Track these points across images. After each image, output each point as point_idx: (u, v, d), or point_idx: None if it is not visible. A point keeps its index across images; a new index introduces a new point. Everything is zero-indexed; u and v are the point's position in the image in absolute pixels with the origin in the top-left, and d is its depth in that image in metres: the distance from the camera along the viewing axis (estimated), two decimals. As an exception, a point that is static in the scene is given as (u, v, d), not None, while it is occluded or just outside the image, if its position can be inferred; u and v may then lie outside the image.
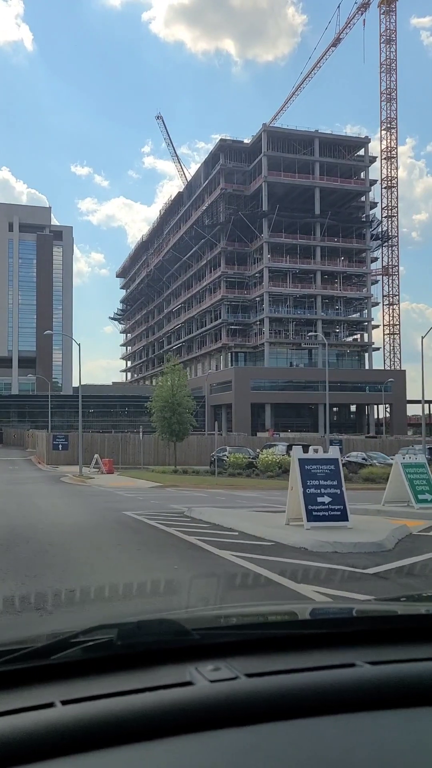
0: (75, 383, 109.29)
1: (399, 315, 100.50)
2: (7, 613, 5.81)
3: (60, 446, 49.70)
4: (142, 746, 1.24)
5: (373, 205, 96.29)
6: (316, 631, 1.82)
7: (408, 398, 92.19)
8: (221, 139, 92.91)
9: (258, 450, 38.11)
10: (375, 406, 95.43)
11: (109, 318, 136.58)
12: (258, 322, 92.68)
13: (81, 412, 37.99)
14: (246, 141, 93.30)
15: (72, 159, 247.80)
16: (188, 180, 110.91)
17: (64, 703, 1.34)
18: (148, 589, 6.09)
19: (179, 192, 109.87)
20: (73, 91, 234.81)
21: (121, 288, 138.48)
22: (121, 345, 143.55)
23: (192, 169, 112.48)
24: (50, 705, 1.33)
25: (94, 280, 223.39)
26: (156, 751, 1.23)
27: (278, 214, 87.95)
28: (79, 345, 36.62)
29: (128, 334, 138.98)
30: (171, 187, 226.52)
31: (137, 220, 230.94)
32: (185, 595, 4.82)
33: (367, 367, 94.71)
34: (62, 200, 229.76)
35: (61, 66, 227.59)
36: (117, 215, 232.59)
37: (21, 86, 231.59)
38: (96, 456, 38.80)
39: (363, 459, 37.59)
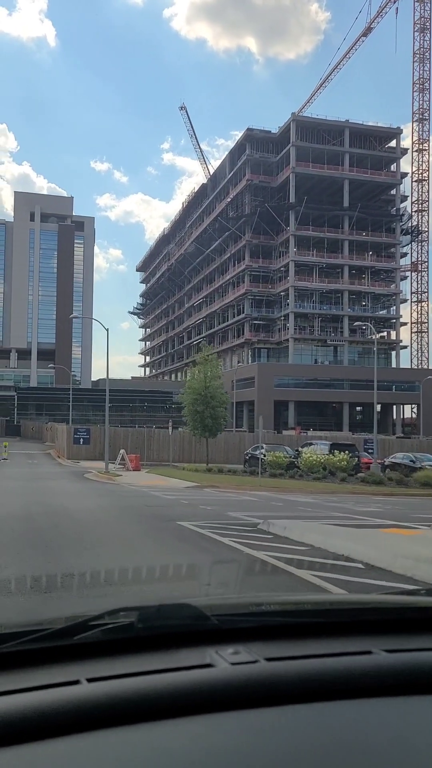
0: (94, 377, 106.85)
1: (428, 313, 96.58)
2: None
3: (81, 440, 46.67)
4: (165, 724, 1.26)
5: (404, 198, 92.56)
6: (334, 620, 1.82)
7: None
8: (248, 129, 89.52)
9: (296, 449, 34.77)
10: (401, 406, 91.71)
11: (129, 312, 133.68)
12: (282, 318, 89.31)
13: (108, 404, 34.88)
14: (273, 131, 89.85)
15: (92, 154, 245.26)
16: (210, 173, 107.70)
17: (90, 680, 1.36)
18: None
19: (203, 184, 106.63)
20: (94, 87, 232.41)
21: (141, 282, 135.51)
22: (140, 340, 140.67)
23: (212, 166, 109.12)
24: (76, 682, 1.35)
25: (112, 276, 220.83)
26: (178, 730, 1.25)
27: (306, 206, 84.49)
28: (107, 330, 33.53)
29: (147, 329, 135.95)
30: (190, 184, 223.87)
31: (155, 216, 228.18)
32: None
33: (394, 366, 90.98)
34: (81, 195, 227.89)
35: (82, 62, 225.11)
36: (135, 211, 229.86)
37: (43, 82, 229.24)
38: (122, 452, 35.70)
39: (411, 461, 34.23)
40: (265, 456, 33.45)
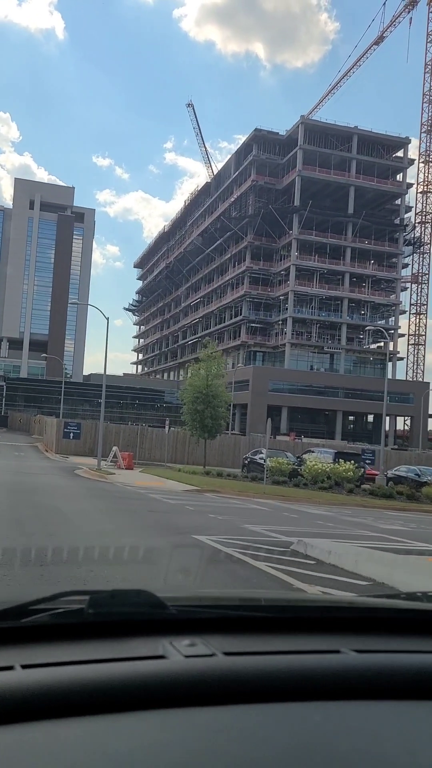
0: (86, 371, 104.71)
1: (426, 325, 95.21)
2: None
3: (71, 435, 44.63)
4: (107, 718, 1.16)
5: (408, 209, 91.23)
6: (301, 615, 1.70)
7: (431, 412, 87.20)
8: (256, 129, 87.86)
9: (298, 456, 32.95)
10: (394, 418, 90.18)
11: (124, 309, 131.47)
12: (280, 322, 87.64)
13: (104, 399, 32.93)
14: (281, 133, 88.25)
15: (94, 149, 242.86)
16: (214, 172, 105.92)
17: (24, 667, 1.26)
18: None
19: (206, 182, 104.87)
20: (100, 83, 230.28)
21: (138, 279, 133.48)
22: (134, 337, 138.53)
23: (215, 166, 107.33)
24: (9, 668, 1.25)
25: (108, 272, 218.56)
26: (122, 725, 1.15)
27: (310, 210, 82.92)
28: (107, 318, 31.59)
29: (142, 327, 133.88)
30: (191, 185, 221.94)
31: (154, 215, 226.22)
32: None
33: (390, 377, 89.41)
34: (81, 190, 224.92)
35: (89, 57, 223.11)
36: (134, 209, 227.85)
37: (49, 74, 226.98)
38: (114, 449, 33.75)
39: (416, 474, 32.52)
40: (265, 461, 31.67)
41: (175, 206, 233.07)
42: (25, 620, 1.41)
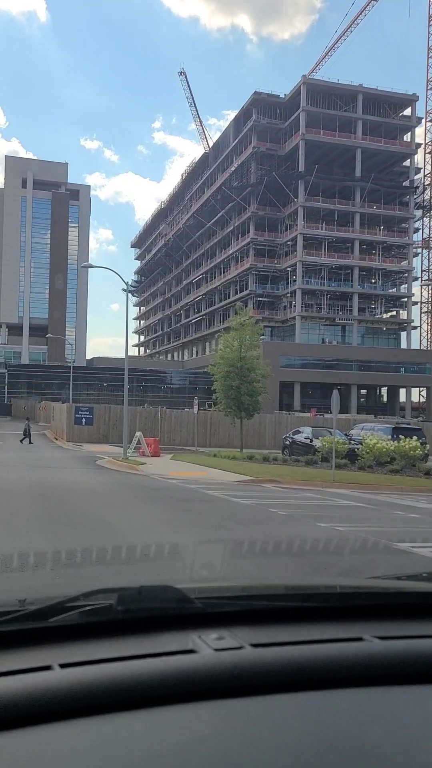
0: (88, 356, 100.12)
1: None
2: None
3: (84, 420, 40.37)
4: (143, 713, 1.18)
5: (417, 170, 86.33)
6: (323, 604, 1.71)
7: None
8: (255, 93, 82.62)
9: (346, 433, 28.71)
10: (409, 390, 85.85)
11: (123, 290, 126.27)
12: (288, 295, 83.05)
13: (126, 378, 28.61)
14: (282, 96, 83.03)
15: (82, 132, 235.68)
16: (209, 143, 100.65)
17: (63, 666, 1.27)
18: None
19: (204, 153, 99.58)
20: (85, 64, 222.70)
21: (136, 259, 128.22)
22: (134, 318, 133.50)
23: (211, 139, 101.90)
24: (48, 668, 1.26)
25: (102, 256, 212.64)
26: (157, 719, 1.17)
27: (315, 176, 77.98)
28: (127, 284, 27.22)
29: (142, 308, 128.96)
30: (181, 164, 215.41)
31: (146, 196, 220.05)
32: None
33: (404, 347, 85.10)
34: (71, 173, 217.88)
35: (73, 38, 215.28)
36: (125, 191, 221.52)
37: (33, 57, 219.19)
38: (138, 434, 29.43)
39: None
40: (311, 441, 27.41)
41: (166, 186, 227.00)
42: (56, 618, 1.41)
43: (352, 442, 25.22)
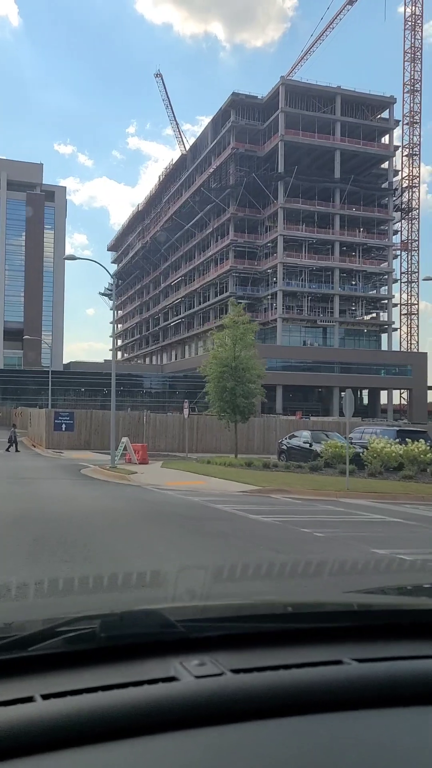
0: (65, 361, 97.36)
1: (418, 294, 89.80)
2: None
3: (63, 426, 38.14)
4: (125, 744, 1.17)
5: (395, 172, 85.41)
6: (302, 625, 1.70)
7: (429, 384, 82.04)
8: (233, 94, 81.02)
9: (347, 437, 26.93)
10: (391, 392, 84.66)
11: (99, 294, 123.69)
12: (269, 297, 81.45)
13: (114, 381, 26.54)
14: (260, 97, 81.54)
15: (56, 137, 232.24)
16: (186, 145, 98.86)
17: (45, 697, 1.25)
18: None
19: (182, 155, 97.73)
20: (58, 69, 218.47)
21: (113, 262, 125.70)
22: (111, 322, 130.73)
23: (187, 142, 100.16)
24: (30, 699, 1.24)
25: (77, 262, 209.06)
26: (140, 750, 1.17)
27: (295, 177, 76.56)
28: (113, 278, 25.07)
29: (119, 311, 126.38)
30: (156, 170, 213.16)
31: (121, 201, 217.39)
32: None
33: (384, 349, 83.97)
34: (45, 178, 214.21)
35: (45, 43, 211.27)
36: (100, 196, 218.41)
37: (5, 62, 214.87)
38: (125, 440, 27.33)
39: None
40: (311, 445, 25.59)
41: (141, 191, 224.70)
42: (39, 646, 1.39)
43: (355, 446, 23.42)
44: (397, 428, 25.82)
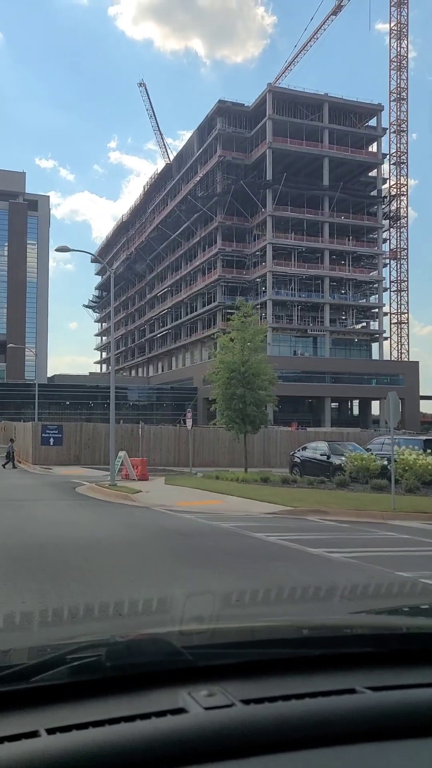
0: (49, 373, 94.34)
1: (408, 303, 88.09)
2: None
3: (52, 440, 35.32)
4: None
5: (384, 180, 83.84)
6: (313, 652, 1.61)
7: (421, 393, 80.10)
8: (219, 101, 79.17)
9: (366, 448, 24.46)
10: (380, 401, 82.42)
11: (83, 306, 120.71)
12: (258, 306, 79.00)
13: (113, 392, 23.81)
14: (247, 104, 79.71)
15: (37, 151, 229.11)
16: (170, 155, 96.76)
17: (50, 731, 1.20)
18: None
19: (167, 164, 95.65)
20: (39, 85, 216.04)
21: (97, 274, 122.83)
22: (96, 335, 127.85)
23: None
24: (34, 734, 1.19)
25: (59, 275, 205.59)
26: None
27: (284, 184, 74.62)
28: (112, 271, 22.36)
29: (104, 323, 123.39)
30: (138, 183, 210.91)
31: (102, 215, 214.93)
32: None
33: (375, 358, 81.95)
34: (26, 190, 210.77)
35: (26, 58, 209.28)
36: (82, 210, 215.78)
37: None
38: (122, 454, 24.57)
39: None
40: (328, 458, 23.07)
41: (123, 205, 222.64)
42: (42, 677, 1.32)
43: (376, 458, 20.93)
44: (424, 438, 23.31)
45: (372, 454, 21.91)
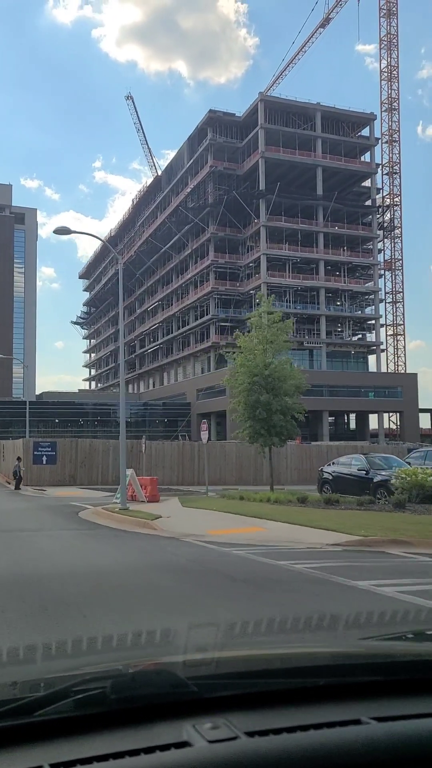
0: (37, 392, 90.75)
1: (404, 314, 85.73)
2: None
3: (44, 458, 31.98)
4: None
5: (377, 190, 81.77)
6: (318, 682, 1.58)
7: (420, 406, 77.31)
8: (210, 111, 76.96)
9: (407, 461, 21.40)
10: (381, 415, 79.65)
11: (71, 322, 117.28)
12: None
13: (123, 405, 20.64)
14: (238, 114, 77.50)
15: (22, 172, 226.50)
16: (157, 168, 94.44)
17: (53, 767, 1.18)
18: None
19: (156, 177, 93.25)
20: (23, 106, 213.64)
21: (85, 290, 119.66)
22: (84, 352, 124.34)
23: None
24: None
25: (46, 294, 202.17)
26: None
27: (277, 194, 72.21)
28: (120, 258, 19.29)
29: (92, 340, 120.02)
30: (123, 203, 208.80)
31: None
32: None
33: (374, 370, 79.25)
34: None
35: (9, 78, 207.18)
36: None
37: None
38: (130, 472, 21.29)
39: None
40: (367, 473, 19.98)
41: (109, 223, 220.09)
42: (46, 710, 1.29)
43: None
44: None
45: (417, 468, 18.83)
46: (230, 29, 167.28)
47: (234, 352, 23.07)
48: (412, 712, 1.38)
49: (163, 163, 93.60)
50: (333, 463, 22.45)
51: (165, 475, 34.50)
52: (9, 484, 35.11)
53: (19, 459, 31.35)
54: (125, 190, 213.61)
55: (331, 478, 21.42)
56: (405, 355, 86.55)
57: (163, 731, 1.28)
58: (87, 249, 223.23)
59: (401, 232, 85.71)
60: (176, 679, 1.47)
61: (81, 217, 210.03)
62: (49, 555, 9.71)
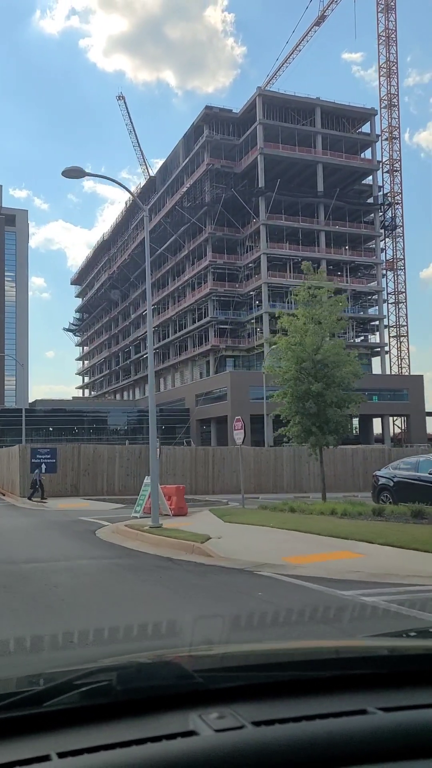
0: (30, 401, 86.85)
1: (407, 315, 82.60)
2: None
3: (43, 466, 28.10)
4: None
5: (379, 188, 78.75)
6: (324, 673, 1.59)
7: (427, 409, 74.00)
8: (206, 107, 73.89)
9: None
10: (387, 418, 76.20)
11: (63, 329, 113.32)
12: (253, 320, 72.85)
13: (153, 410, 16.91)
14: (235, 110, 74.34)
15: (10, 182, 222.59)
16: (149, 171, 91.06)
17: (61, 755, 1.19)
18: None
19: (150, 177, 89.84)
20: (9, 117, 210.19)
21: (77, 296, 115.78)
22: (77, 359, 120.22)
23: (150, 169, 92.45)
24: (46, 758, 1.19)
25: (36, 304, 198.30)
26: None
27: (277, 192, 68.98)
28: (148, 214, 16.03)
29: (85, 347, 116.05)
30: (112, 211, 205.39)
31: (78, 243, 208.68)
32: None
33: (378, 372, 75.90)
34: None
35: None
36: (56, 238, 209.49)
37: None
38: (148, 481, 17.55)
39: None
40: (430, 476, 16.35)
41: (98, 232, 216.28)
42: (53, 702, 1.31)
43: None
44: None
45: None
46: (217, 39, 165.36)
47: (276, 335, 19.28)
48: (419, 702, 1.37)
49: (151, 171, 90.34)
50: (393, 468, 18.81)
51: (177, 482, 30.88)
52: (5, 496, 31.33)
53: (39, 467, 27.67)
54: (114, 199, 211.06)
55: (391, 484, 17.78)
56: (409, 356, 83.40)
57: (170, 721, 1.27)
58: (77, 258, 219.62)
59: (403, 231, 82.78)
60: (181, 670, 1.46)
61: (70, 227, 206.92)
62: (85, 617, 6.00)
